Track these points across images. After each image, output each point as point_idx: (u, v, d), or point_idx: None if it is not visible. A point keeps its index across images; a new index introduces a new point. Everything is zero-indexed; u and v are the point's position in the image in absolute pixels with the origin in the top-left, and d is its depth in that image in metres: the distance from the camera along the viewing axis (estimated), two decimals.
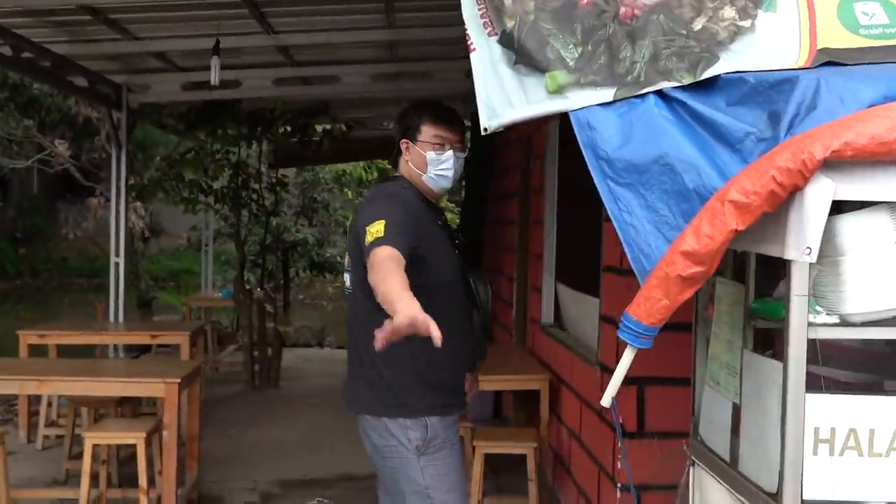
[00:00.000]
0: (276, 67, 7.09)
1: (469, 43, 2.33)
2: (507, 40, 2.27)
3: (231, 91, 7.25)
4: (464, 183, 8.47)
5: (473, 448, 4.35)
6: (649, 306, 1.90)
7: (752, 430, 2.05)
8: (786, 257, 1.83)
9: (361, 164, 17.07)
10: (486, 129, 2.32)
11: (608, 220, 3.88)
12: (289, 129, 8.18)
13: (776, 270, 2.32)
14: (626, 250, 2.07)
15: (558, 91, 2.23)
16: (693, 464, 2.41)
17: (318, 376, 9.10)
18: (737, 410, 2.15)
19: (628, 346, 2.01)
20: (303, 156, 9.37)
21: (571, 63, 2.22)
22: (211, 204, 8.58)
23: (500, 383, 4.78)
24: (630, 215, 2.07)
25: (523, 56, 2.25)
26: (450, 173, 2.76)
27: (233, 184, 8.21)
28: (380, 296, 2.24)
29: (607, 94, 2.18)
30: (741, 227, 1.82)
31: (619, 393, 3.60)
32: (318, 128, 8.66)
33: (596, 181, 2.14)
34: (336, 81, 7.53)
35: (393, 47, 6.64)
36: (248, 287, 8.42)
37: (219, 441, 6.03)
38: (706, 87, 2.15)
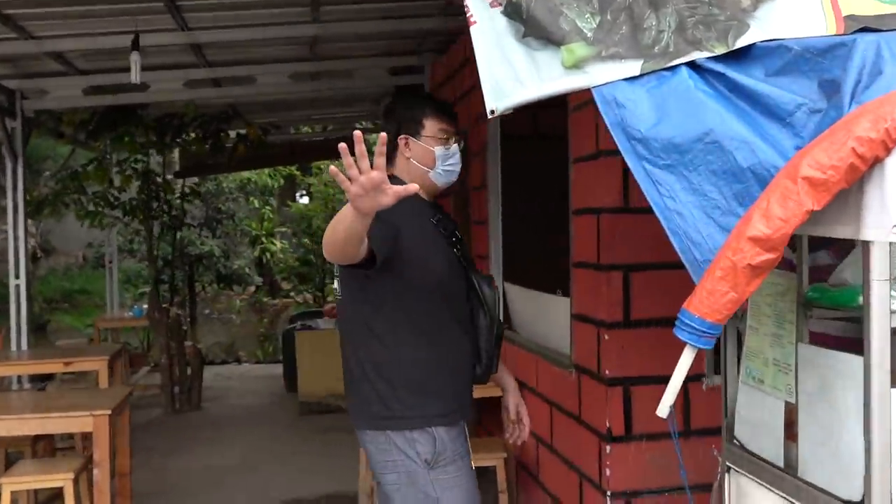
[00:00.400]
0: (187, 68, 6.63)
1: (468, 15, 2.07)
2: (513, 11, 2.02)
3: (138, 95, 6.75)
4: None
5: None
6: (714, 301, 1.68)
7: (816, 433, 1.85)
8: (863, 238, 1.64)
9: (266, 171, 16.54)
10: (492, 112, 2.05)
11: (577, 213, 3.75)
12: (200, 134, 7.68)
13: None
14: (673, 240, 1.84)
15: (577, 66, 1.99)
16: (728, 470, 2.21)
17: (242, 395, 8.64)
18: (791, 411, 1.95)
19: (687, 348, 1.78)
20: (214, 163, 8.87)
21: (590, 34, 1.98)
22: (120, 217, 7.99)
23: None
24: (673, 200, 1.85)
25: (533, 28, 2.00)
26: (458, 167, 2.59)
27: (142, 195, 7.66)
28: (336, 230, 2.05)
29: (633, 67, 1.96)
30: (817, 207, 1.62)
31: (602, 395, 3.43)
32: (231, 133, 8.19)
33: (630, 164, 1.91)
34: (252, 82, 7.12)
35: (314, 44, 6.30)
36: (164, 305, 7.88)
37: (146, 473, 5.55)
38: (740, 57, 1.94)
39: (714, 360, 3.43)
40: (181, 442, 6.57)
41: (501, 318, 2.70)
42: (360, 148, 1.78)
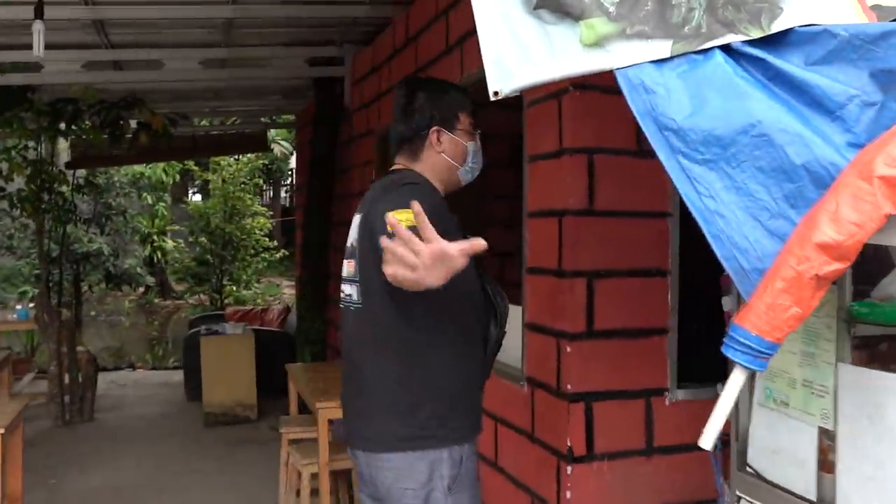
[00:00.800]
0: (87, 49, 6.08)
1: None
2: None
3: (31, 76, 6.14)
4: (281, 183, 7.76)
5: None
6: (774, 317, 1.45)
7: (861, 465, 1.65)
8: None
9: (161, 165, 15.76)
10: (496, 94, 1.78)
11: (534, 215, 3.50)
12: (98, 122, 7.08)
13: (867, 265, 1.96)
14: (714, 246, 1.61)
15: (597, 44, 1.74)
16: (739, 500, 2.00)
17: (139, 404, 8.05)
18: (825, 437, 1.75)
19: (737, 370, 1.54)
20: (110, 154, 8.24)
21: (611, 8, 1.73)
22: (7, 210, 7.29)
23: None
24: (714, 200, 1.61)
25: None
26: (480, 166, 2.44)
27: (32, 185, 6.99)
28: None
29: (662, 48, 1.72)
30: (895, 211, 1.42)
31: (563, 412, 3.20)
32: (133, 123, 7.60)
33: (662, 158, 1.67)
34: (159, 67, 6.60)
35: (229, 28, 5.87)
36: (55, 307, 7.22)
37: (41, 494, 5.01)
38: (777, 43, 1.73)
39: (679, 373, 3.26)
40: (77, 458, 6.00)
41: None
42: (405, 233, 1.59)
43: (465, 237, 2.38)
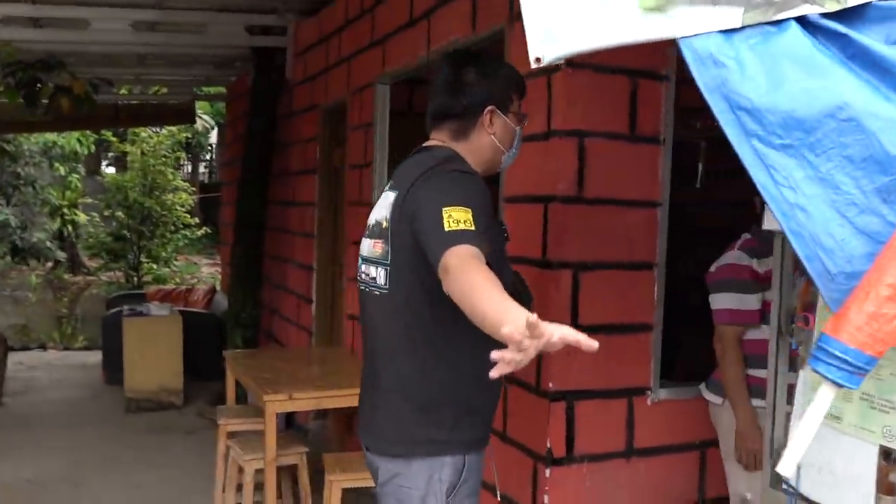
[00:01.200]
0: (3, 2, 5.56)
1: None
2: None
3: None
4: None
5: (331, 482, 3.50)
6: (878, 328, 1.27)
7: None
8: None
9: (76, 134, 14.92)
10: (538, 60, 1.55)
11: (512, 201, 3.27)
12: (13, 83, 6.53)
13: None
14: (795, 244, 1.41)
15: (658, 8, 1.51)
16: None
17: (52, 387, 7.54)
18: (883, 457, 1.59)
19: (825, 386, 1.35)
20: (24, 120, 7.65)
21: None
22: None
23: (337, 399, 3.92)
24: (794, 192, 1.42)
25: None
26: (518, 153, 2.29)
27: None
28: (480, 313, 1.64)
29: (732, 15, 1.50)
30: None
31: (543, 412, 3.00)
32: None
33: (733, 141, 1.46)
34: (84, 27, 6.10)
35: None
36: None
37: None
38: (855, 18, 1.54)
39: (661, 371, 3.10)
40: None
41: None
42: (556, 345, 1.46)
43: (500, 226, 2.19)
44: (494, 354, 1.40)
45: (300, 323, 6.20)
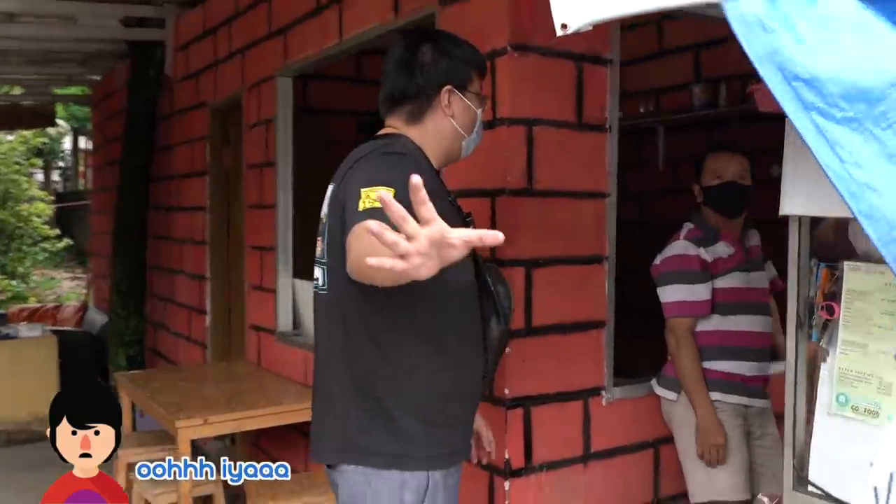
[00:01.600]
0: None
1: None
2: None
3: None
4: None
5: None
6: None
7: None
8: None
9: None
10: (564, 27, 1.35)
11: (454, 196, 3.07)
12: None
13: None
14: (867, 227, 1.27)
15: None
16: None
17: None
18: None
19: None
20: None
21: None
22: None
23: (256, 419, 3.59)
24: (862, 170, 1.28)
25: None
26: (480, 140, 2.10)
27: None
28: (370, 271, 1.47)
29: None
30: None
31: (500, 421, 2.81)
32: None
33: (790, 115, 1.31)
34: None
35: None
36: None
37: None
38: None
39: (614, 370, 2.97)
40: None
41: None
42: (399, 211, 1.18)
43: (465, 222, 1.97)
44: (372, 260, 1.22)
45: (192, 337, 5.77)
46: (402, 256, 1.21)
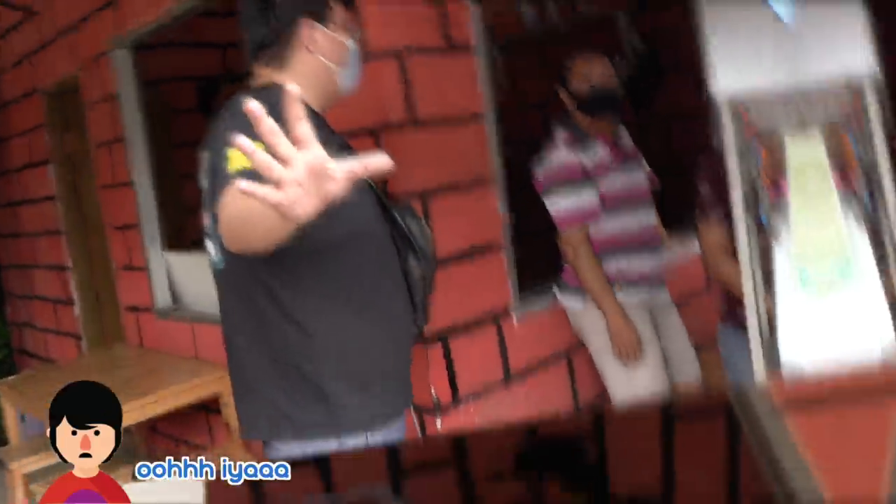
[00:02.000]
0: None
1: None
2: None
3: None
4: None
5: None
6: None
7: None
8: None
9: None
10: None
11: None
12: None
13: None
14: None
15: None
16: None
17: None
18: None
19: None
20: None
21: None
22: None
23: (164, 402, 3.42)
24: None
25: None
26: (360, 73, 1.92)
27: None
28: (248, 236, 1.37)
29: None
30: None
31: (422, 359, 2.77)
32: None
33: None
34: None
35: None
36: None
37: None
38: None
39: (519, 288, 2.99)
40: None
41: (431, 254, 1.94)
42: (268, 125, 1.04)
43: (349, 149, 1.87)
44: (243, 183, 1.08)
45: (62, 330, 5.43)
46: (277, 185, 1.05)
